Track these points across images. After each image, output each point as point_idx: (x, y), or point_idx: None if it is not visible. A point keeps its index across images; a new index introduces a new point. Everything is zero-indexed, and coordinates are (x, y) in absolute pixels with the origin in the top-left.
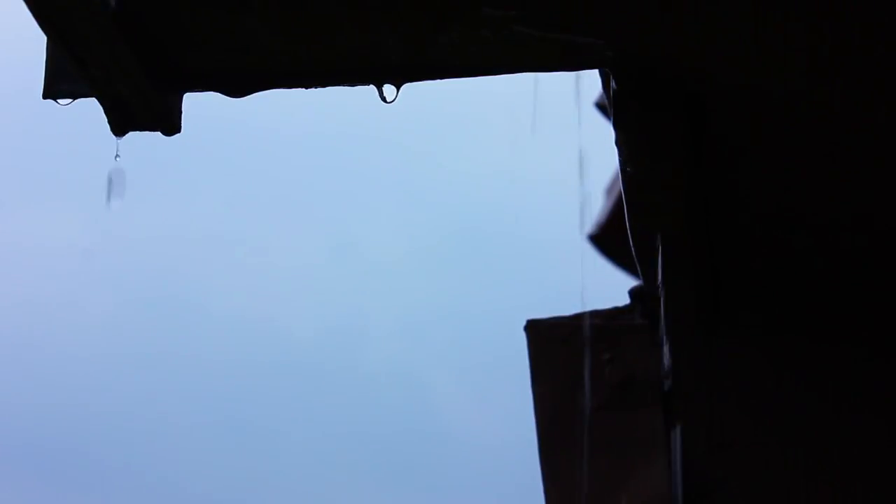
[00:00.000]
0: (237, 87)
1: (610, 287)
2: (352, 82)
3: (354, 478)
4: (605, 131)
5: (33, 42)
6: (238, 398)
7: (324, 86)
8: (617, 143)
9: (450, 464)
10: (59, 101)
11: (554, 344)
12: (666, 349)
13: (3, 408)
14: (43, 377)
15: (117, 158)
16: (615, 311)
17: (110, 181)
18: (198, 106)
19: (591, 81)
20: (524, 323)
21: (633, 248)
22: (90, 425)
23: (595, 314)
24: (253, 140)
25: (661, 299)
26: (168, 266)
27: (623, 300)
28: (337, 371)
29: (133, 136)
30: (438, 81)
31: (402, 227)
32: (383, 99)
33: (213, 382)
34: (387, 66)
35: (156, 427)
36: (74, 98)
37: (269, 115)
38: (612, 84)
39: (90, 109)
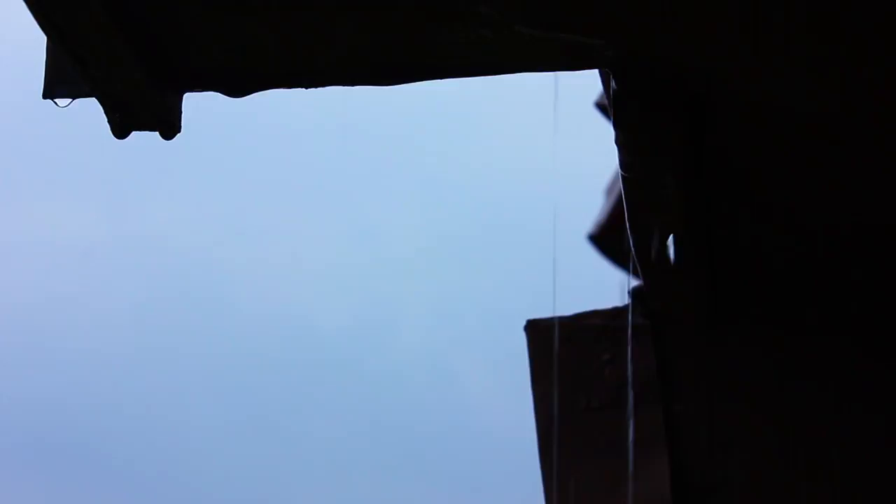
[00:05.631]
0: (237, 87)
1: (609, 287)
2: (352, 82)
3: (383, 473)
4: (605, 131)
5: (34, 42)
6: (263, 393)
7: (324, 85)
8: (617, 143)
9: (480, 458)
10: (58, 100)
11: (554, 344)
12: (665, 349)
13: (25, 404)
14: (64, 374)
15: (136, 153)
16: (615, 311)
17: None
18: (215, 101)
19: (590, 81)
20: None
21: (632, 248)
22: (112, 422)
23: (595, 314)
24: (269, 135)
25: (661, 298)
26: (190, 261)
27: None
28: (364, 365)
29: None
30: (440, 81)
31: (427, 222)
32: None
33: (236, 378)
34: (387, 66)
35: (179, 424)
36: (74, 98)
37: (285, 110)
38: (612, 84)
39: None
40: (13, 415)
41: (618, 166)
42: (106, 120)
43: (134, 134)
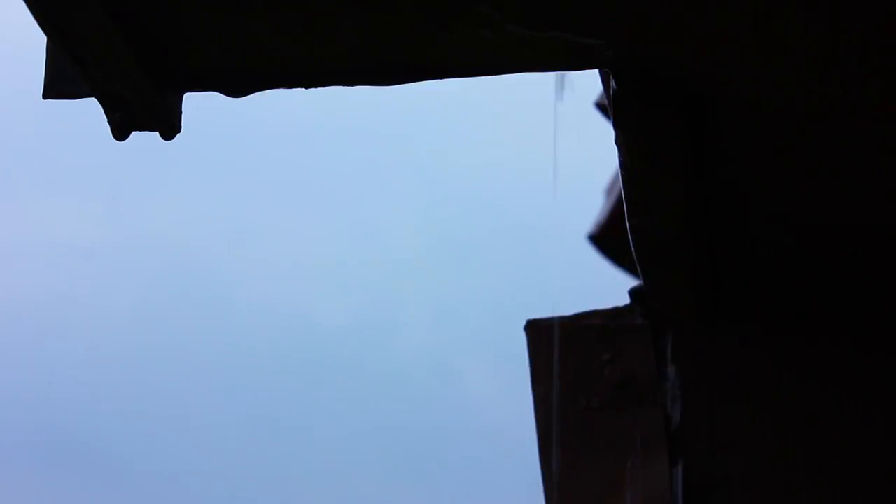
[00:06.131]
0: (237, 87)
1: (610, 287)
2: (352, 82)
3: (383, 472)
4: (605, 131)
5: (34, 42)
6: (263, 393)
7: (324, 85)
8: (617, 142)
9: (481, 458)
10: (59, 101)
11: (554, 344)
12: (665, 348)
13: (25, 404)
14: (64, 374)
15: (136, 153)
16: (615, 311)
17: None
18: (215, 101)
19: (590, 81)
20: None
21: (633, 248)
22: (112, 421)
23: (595, 314)
24: (269, 135)
25: (661, 298)
26: (190, 261)
27: (623, 300)
28: (365, 365)
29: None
30: (440, 81)
31: (428, 221)
32: None
33: (237, 377)
34: (387, 66)
35: (180, 423)
36: (74, 98)
37: (285, 110)
38: (612, 84)
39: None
40: (13, 415)
41: (618, 166)
42: (106, 120)
43: (134, 134)
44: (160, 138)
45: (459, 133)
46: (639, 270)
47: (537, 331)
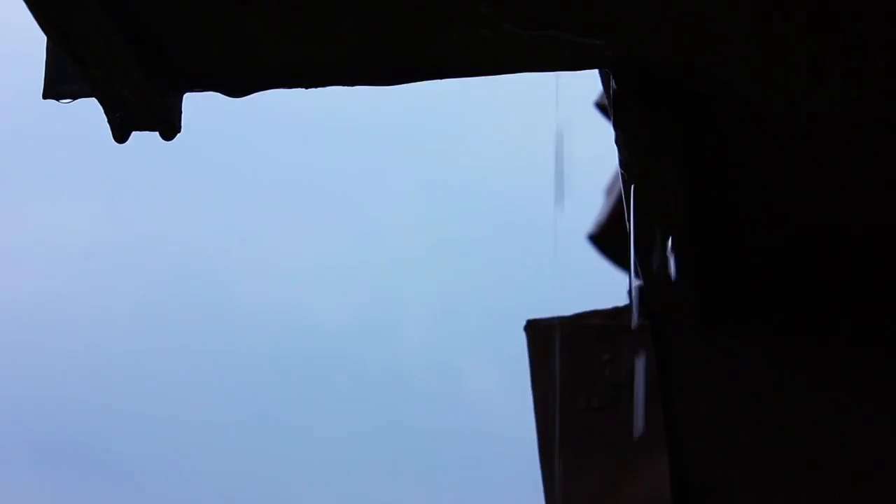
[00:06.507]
0: (237, 87)
1: (610, 287)
2: (352, 82)
3: (384, 471)
4: (605, 131)
5: (34, 42)
6: (264, 393)
7: (324, 86)
8: (617, 143)
9: (482, 457)
10: (59, 101)
11: (554, 344)
12: (666, 348)
13: (25, 404)
14: (64, 374)
15: (136, 153)
16: (615, 311)
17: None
18: (215, 101)
19: (590, 81)
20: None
21: (633, 249)
22: (112, 421)
23: (595, 314)
24: (270, 135)
25: (661, 298)
26: (190, 261)
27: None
28: (366, 364)
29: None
30: (440, 81)
31: (429, 221)
32: None
33: (238, 377)
34: (387, 66)
35: (181, 423)
36: (74, 98)
37: (285, 110)
38: (612, 84)
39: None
40: (13, 415)
41: (618, 166)
42: (106, 120)
43: (134, 134)
44: (160, 138)
45: (459, 133)
46: (639, 271)
47: (537, 331)
